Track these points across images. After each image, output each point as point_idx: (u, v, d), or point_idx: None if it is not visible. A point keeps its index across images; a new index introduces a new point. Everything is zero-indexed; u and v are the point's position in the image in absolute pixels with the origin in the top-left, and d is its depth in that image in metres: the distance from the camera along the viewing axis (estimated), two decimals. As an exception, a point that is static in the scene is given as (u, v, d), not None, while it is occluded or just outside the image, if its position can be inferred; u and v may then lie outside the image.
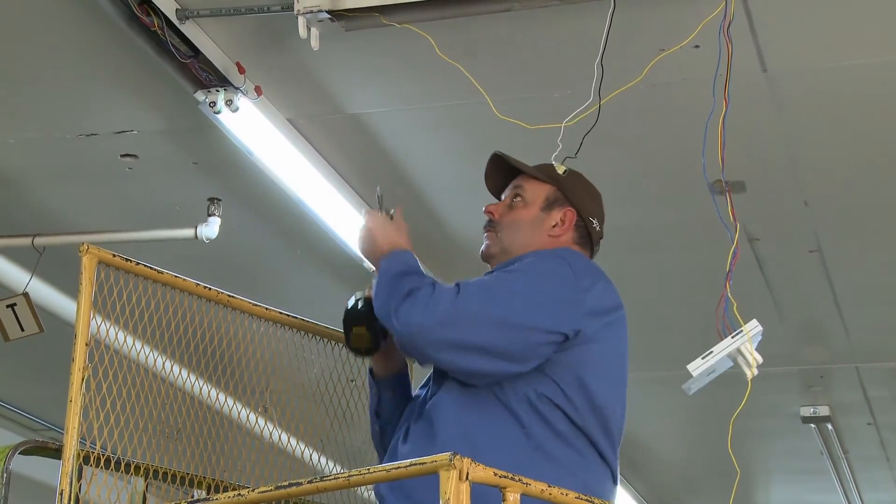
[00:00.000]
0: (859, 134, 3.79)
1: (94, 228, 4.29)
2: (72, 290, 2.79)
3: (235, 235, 4.39)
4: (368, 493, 2.65)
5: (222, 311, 2.86)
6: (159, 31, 3.14)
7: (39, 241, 4.24)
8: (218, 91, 3.37)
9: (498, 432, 2.42)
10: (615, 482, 2.54)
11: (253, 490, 2.06)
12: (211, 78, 3.34)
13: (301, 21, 3.04)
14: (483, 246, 2.63)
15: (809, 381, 6.12)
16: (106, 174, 4.19)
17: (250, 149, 3.61)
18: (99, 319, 2.59)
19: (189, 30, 3.21)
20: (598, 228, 2.69)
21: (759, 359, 2.57)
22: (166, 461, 2.76)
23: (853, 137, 3.82)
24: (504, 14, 3.01)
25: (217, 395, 2.85)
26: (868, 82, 3.49)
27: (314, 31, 3.04)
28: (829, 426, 6.53)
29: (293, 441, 2.98)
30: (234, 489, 2.81)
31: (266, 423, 2.95)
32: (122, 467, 2.64)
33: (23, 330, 4.32)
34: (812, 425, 6.52)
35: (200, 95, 3.38)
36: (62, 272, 4.16)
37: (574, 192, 2.66)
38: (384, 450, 2.69)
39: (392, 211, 2.60)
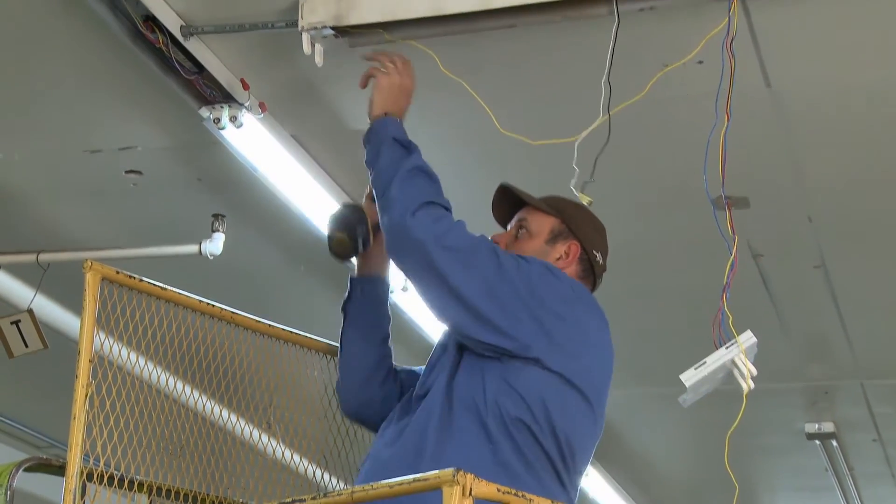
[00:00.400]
0: (863, 150, 3.79)
1: (98, 245, 4.29)
2: (76, 307, 2.79)
3: (239, 252, 4.39)
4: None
5: (226, 328, 2.86)
6: (164, 48, 3.15)
7: (44, 257, 4.25)
8: (222, 107, 3.38)
9: (467, 442, 2.45)
10: None
11: (257, 506, 2.06)
12: (215, 94, 3.35)
13: (305, 37, 3.05)
14: None
15: (814, 398, 6.10)
16: (110, 190, 4.19)
17: (254, 165, 3.61)
18: (102, 336, 2.59)
19: (193, 46, 3.22)
20: (601, 262, 2.74)
21: (754, 371, 2.58)
22: (170, 478, 2.75)
23: (857, 153, 3.82)
24: (508, 31, 3.01)
25: (220, 411, 2.85)
26: (872, 98, 3.49)
27: (318, 47, 3.05)
28: (834, 443, 6.51)
29: (296, 457, 2.98)
30: (237, 506, 2.81)
31: (269, 440, 2.95)
32: (126, 484, 2.63)
33: (27, 346, 4.32)
34: (817, 442, 6.50)
35: (205, 112, 3.39)
36: (66, 288, 4.16)
37: (578, 226, 2.71)
38: (341, 348, 2.83)
39: None
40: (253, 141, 3.51)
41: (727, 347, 2.61)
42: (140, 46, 3.15)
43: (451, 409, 2.49)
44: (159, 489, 2.76)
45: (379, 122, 2.67)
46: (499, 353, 2.49)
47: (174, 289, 2.77)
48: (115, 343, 2.60)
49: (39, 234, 4.43)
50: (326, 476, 2.97)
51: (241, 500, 2.86)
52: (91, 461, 2.51)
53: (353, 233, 2.71)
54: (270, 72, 3.43)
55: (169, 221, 4.36)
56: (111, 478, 2.55)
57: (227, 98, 3.37)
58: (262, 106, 3.44)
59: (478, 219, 2.76)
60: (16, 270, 4.41)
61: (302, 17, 3.04)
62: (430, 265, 2.47)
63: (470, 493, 1.80)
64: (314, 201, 3.89)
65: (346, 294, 2.84)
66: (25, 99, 3.68)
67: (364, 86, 2.78)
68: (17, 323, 4.31)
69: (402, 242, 2.51)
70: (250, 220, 4.31)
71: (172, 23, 3.15)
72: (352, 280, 2.84)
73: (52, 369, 4.75)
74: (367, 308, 2.83)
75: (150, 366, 2.72)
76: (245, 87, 3.38)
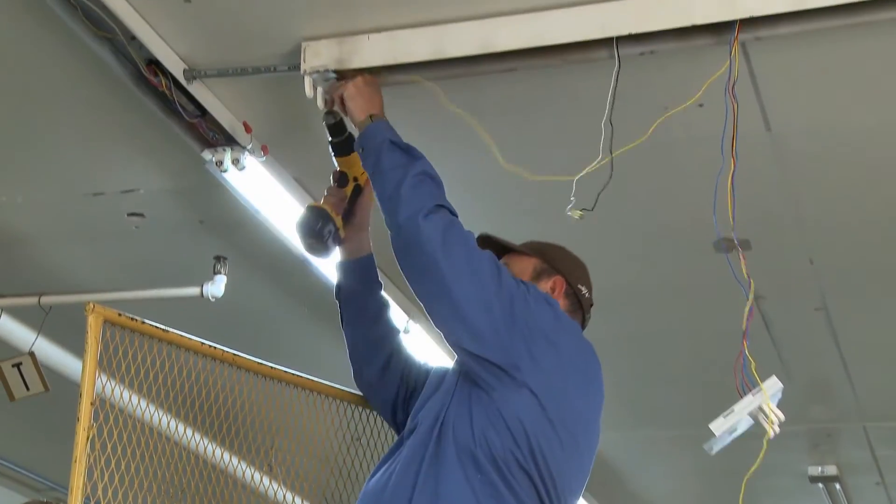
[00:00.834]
0: (864, 193, 3.80)
1: (100, 287, 4.30)
2: (78, 349, 2.79)
3: (241, 294, 4.39)
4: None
5: (227, 370, 2.86)
6: (167, 92, 3.16)
7: (46, 300, 4.25)
8: (225, 150, 3.39)
9: (457, 479, 2.48)
10: None
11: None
12: (218, 137, 3.36)
13: (307, 81, 3.06)
14: None
15: (817, 440, 6.08)
16: (112, 233, 4.20)
17: (257, 207, 3.62)
18: (104, 378, 2.59)
19: (196, 90, 3.24)
20: (587, 295, 2.78)
21: (781, 416, 2.59)
22: (171, 521, 2.74)
23: (858, 196, 3.82)
24: (508, 74, 3.03)
25: (222, 454, 2.85)
26: (873, 141, 3.50)
27: (320, 90, 3.07)
28: (838, 486, 6.48)
29: (298, 500, 2.97)
30: (238, 549, 2.80)
31: (271, 482, 2.95)
32: (127, 527, 2.62)
33: (28, 389, 4.32)
34: (820, 485, 6.47)
35: (207, 154, 3.40)
36: (68, 331, 4.16)
37: (559, 262, 2.78)
38: (348, 335, 2.96)
39: None
40: (255, 183, 3.52)
41: (753, 394, 2.62)
42: (143, 90, 3.17)
43: (440, 444, 2.51)
44: (160, 532, 2.75)
45: (369, 128, 2.77)
46: (488, 371, 2.50)
47: (176, 331, 2.77)
48: (117, 386, 2.61)
49: (41, 276, 4.43)
50: (328, 519, 2.96)
51: (242, 544, 2.85)
52: (92, 504, 2.51)
53: (319, 235, 2.86)
54: (273, 115, 3.45)
55: (171, 263, 4.36)
56: (112, 521, 2.55)
57: (230, 141, 3.39)
58: (264, 149, 3.45)
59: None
60: (18, 313, 4.41)
61: (304, 61, 3.06)
62: (436, 268, 2.51)
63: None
64: (314, 258, 3.89)
65: (336, 280, 2.99)
66: (28, 142, 3.69)
67: (338, 105, 2.94)
68: (18, 366, 4.31)
69: (411, 243, 2.55)
70: (252, 262, 4.31)
71: (175, 66, 3.17)
72: (336, 266, 2.98)
73: (54, 412, 4.74)
74: (356, 288, 2.95)
75: (152, 408, 2.72)
76: (247, 129, 3.39)
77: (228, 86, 3.31)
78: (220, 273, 4.13)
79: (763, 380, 2.65)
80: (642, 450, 6.31)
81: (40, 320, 4.28)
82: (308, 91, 3.07)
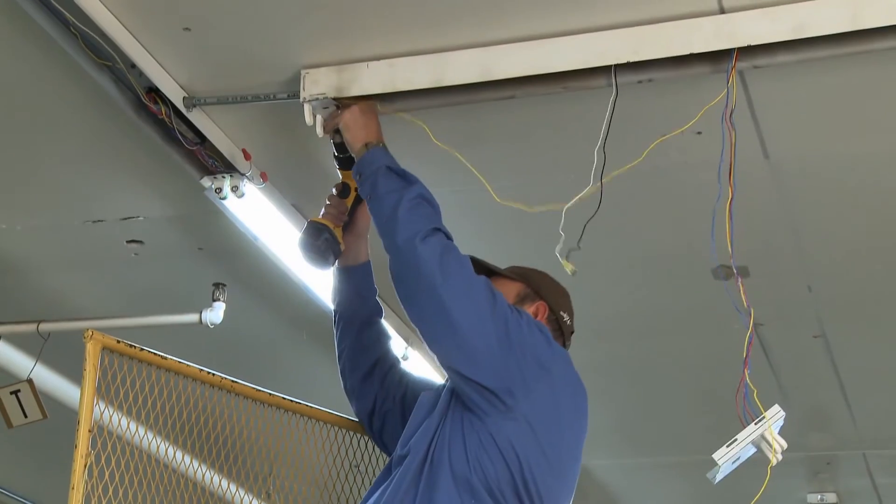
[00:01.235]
0: (863, 220, 3.81)
1: (98, 314, 4.29)
2: (76, 377, 2.79)
3: (240, 321, 4.39)
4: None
5: (226, 397, 2.86)
6: (166, 119, 3.17)
7: (44, 327, 4.24)
8: (224, 177, 3.40)
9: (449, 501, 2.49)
10: None
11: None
12: (217, 164, 3.37)
13: (307, 108, 3.07)
14: None
15: (816, 468, 6.07)
16: (111, 260, 4.20)
17: (256, 234, 3.62)
18: (102, 405, 2.59)
19: (196, 117, 3.25)
20: (568, 323, 2.81)
21: (784, 444, 2.59)
22: (169, 549, 2.74)
23: (857, 223, 3.83)
24: (507, 101, 3.04)
25: (220, 481, 2.85)
26: (870, 169, 3.50)
27: (320, 118, 3.08)
28: (837, 513, 6.48)
29: (296, 528, 2.96)
30: (236, 577, 2.79)
31: (269, 510, 2.94)
32: (124, 555, 2.62)
33: (26, 416, 4.31)
34: (819, 512, 6.46)
35: (206, 182, 3.40)
36: (67, 358, 4.16)
37: (542, 288, 2.81)
38: (338, 338, 3.03)
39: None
40: (254, 210, 3.53)
41: (756, 423, 2.63)
42: (143, 117, 3.18)
43: (433, 469, 2.51)
44: (158, 560, 2.74)
45: (366, 156, 2.81)
46: (482, 396, 2.51)
47: (174, 358, 2.77)
48: (115, 413, 2.60)
49: (40, 303, 4.43)
50: (326, 547, 2.95)
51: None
52: (89, 532, 2.50)
53: (320, 249, 2.96)
54: (272, 142, 3.46)
55: (170, 290, 4.36)
56: (109, 549, 2.54)
57: (229, 168, 3.39)
58: (263, 176, 3.46)
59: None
60: (16, 340, 4.41)
61: (304, 89, 3.07)
62: (434, 291, 2.52)
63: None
64: (315, 271, 3.89)
65: (333, 286, 3.07)
66: (27, 169, 3.70)
67: (329, 130, 2.99)
68: (16, 393, 4.30)
69: (408, 266, 2.57)
70: (251, 289, 4.32)
71: (175, 94, 3.18)
72: (333, 271, 3.07)
73: (52, 439, 4.74)
74: (351, 295, 3.02)
75: (150, 435, 2.72)
76: (247, 157, 3.40)
77: (228, 113, 3.32)
78: (219, 300, 4.12)
79: (765, 407, 2.65)
80: (641, 477, 6.30)
81: (39, 347, 4.27)
82: (308, 119, 3.07)
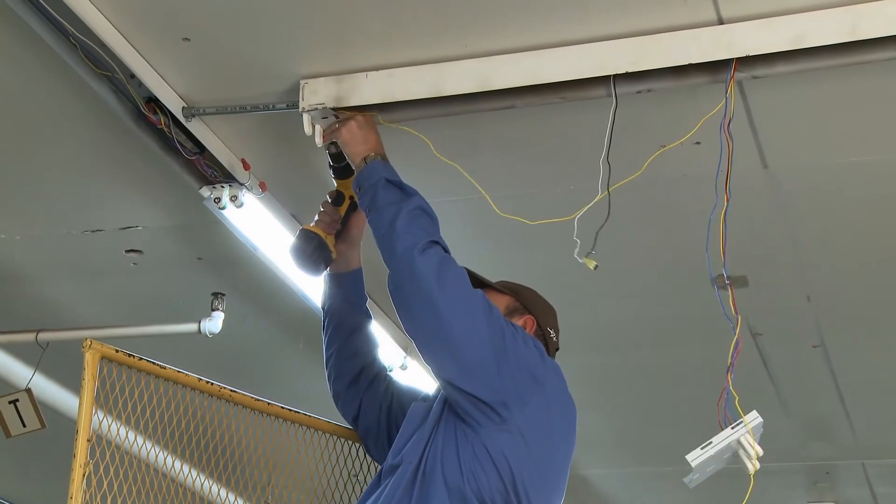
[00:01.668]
0: (861, 229, 3.81)
1: (97, 323, 4.30)
2: (75, 386, 2.78)
3: (239, 330, 4.39)
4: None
5: (225, 406, 2.86)
6: (166, 129, 3.18)
7: (43, 336, 4.24)
8: (223, 187, 3.40)
9: None
10: None
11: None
12: (216, 174, 3.37)
13: (306, 118, 3.08)
14: None
15: (815, 478, 6.07)
16: (110, 269, 4.20)
17: (255, 244, 3.63)
18: (101, 415, 2.59)
19: (195, 127, 3.25)
20: (554, 339, 2.82)
21: (760, 451, 2.58)
22: (167, 558, 2.73)
23: (855, 233, 3.83)
24: (506, 111, 3.04)
25: (219, 490, 2.84)
26: (869, 179, 3.51)
27: (319, 128, 3.08)
28: (836, 523, 6.47)
29: (295, 537, 2.96)
30: (235, 587, 2.79)
31: (267, 519, 2.94)
32: (123, 565, 2.61)
33: (25, 426, 4.31)
34: (818, 522, 6.46)
35: (205, 191, 3.41)
36: (65, 367, 4.16)
37: (531, 303, 2.84)
38: (326, 344, 3.08)
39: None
40: (253, 220, 3.53)
41: (733, 428, 2.62)
42: (142, 127, 3.18)
43: (426, 480, 2.51)
44: (156, 570, 2.74)
45: (365, 170, 2.82)
46: (477, 408, 2.51)
47: (173, 367, 2.77)
48: (114, 422, 2.60)
49: (39, 312, 4.43)
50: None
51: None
52: (88, 541, 2.50)
53: (311, 257, 3.01)
54: (271, 152, 3.46)
55: (168, 300, 4.36)
56: (108, 558, 2.54)
57: (228, 178, 3.40)
58: (262, 185, 3.46)
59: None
60: (15, 349, 4.41)
61: (303, 99, 3.07)
62: (431, 304, 2.53)
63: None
64: (314, 280, 3.89)
65: (324, 291, 3.11)
66: (27, 179, 3.70)
67: (324, 142, 3.02)
68: (14, 402, 4.30)
69: (406, 278, 2.58)
70: (250, 298, 4.32)
71: (174, 104, 3.19)
72: (324, 277, 3.11)
73: (50, 449, 4.73)
74: (342, 303, 3.06)
75: (149, 445, 2.72)
76: (246, 167, 3.40)
77: (227, 123, 3.32)
78: (218, 309, 4.13)
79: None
80: (639, 486, 6.29)
81: (37, 356, 4.27)
82: (307, 129, 3.08)
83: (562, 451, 2.65)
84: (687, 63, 2.84)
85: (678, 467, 2.69)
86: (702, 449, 2.61)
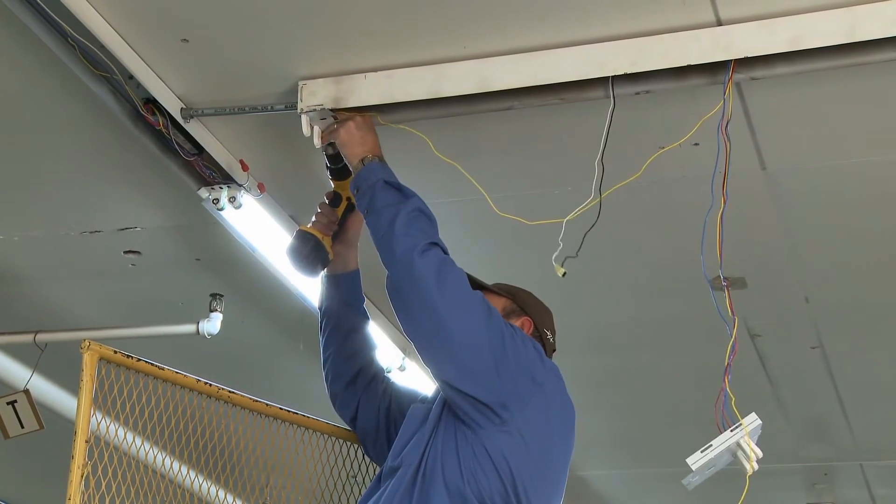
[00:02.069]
0: (860, 231, 3.81)
1: (96, 324, 4.30)
2: (73, 387, 2.79)
3: (237, 331, 4.39)
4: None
5: (223, 407, 2.86)
6: (164, 130, 3.18)
7: (41, 337, 4.24)
8: (221, 188, 3.40)
9: None
10: None
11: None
12: (214, 175, 3.37)
13: (304, 119, 3.08)
14: None
15: (814, 479, 6.07)
16: (109, 270, 4.20)
17: (253, 245, 3.63)
18: (99, 416, 2.59)
19: (193, 128, 3.25)
20: (551, 340, 2.82)
21: (759, 453, 2.58)
22: (165, 560, 2.73)
23: (854, 234, 3.83)
24: (505, 112, 3.04)
25: (217, 491, 2.84)
26: (867, 180, 3.51)
27: (317, 129, 3.08)
28: (835, 524, 6.48)
29: (293, 539, 2.96)
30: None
31: (266, 521, 2.94)
32: (121, 566, 2.61)
33: (23, 427, 4.30)
34: (817, 523, 6.46)
35: (204, 192, 3.41)
36: (64, 369, 4.16)
37: (528, 305, 2.83)
38: (323, 345, 3.07)
39: None
40: (251, 221, 3.53)
41: (732, 430, 2.63)
42: (140, 128, 3.18)
43: (427, 482, 2.52)
44: (155, 571, 2.74)
45: (362, 171, 2.82)
46: (476, 409, 2.51)
47: (171, 368, 2.77)
48: (112, 423, 2.60)
49: (37, 313, 4.43)
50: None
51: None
52: (86, 543, 2.50)
53: (307, 259, 3.02)
54: (269, 153, 3.46)
55: (167, 301, 4.36)
56: (106, 560, 2.54)
57: (227, 179, 3.40)
58: (260, 187, 3.46)
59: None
60: (13, 350, 4.41)
61: (301, 100, 3.07)
62: (431, 305, 2.53)
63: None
64: (312, 281, 3.90)
65: (321, 293, 3.10)
66: (25, 180, 3.70)
67: (322, 143, 3.02)
68: (13, 403, 4.30)
69: (405, 280, 2.57)
70: (248, 299, 4.32)
71: (173, 105, 3.19)
72: (321, 279, 3.09)
73: (48, 450, 4.73)
74: (339, 305, 3.05)
75: (147, 446, 2.71)
76: (244, 168, 3.40)
77: (225, 124, 3.32)
78: (216, 310, 4.13)
79: (742, 416, 2.65)
80: (638, 487, 6.29)
81: (36, 358, 4.27)
82: (305, 130, 3.08)
83: (561, 452, 2.65)
84: (685, 64, 2.84)
85: (677, 468, 2.69)
86: (702, 452, 2.61)
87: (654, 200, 3.61)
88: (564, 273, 2.85)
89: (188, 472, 2.82)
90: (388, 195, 2.71)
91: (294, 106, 3.09)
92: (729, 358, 2.64)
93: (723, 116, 2.78)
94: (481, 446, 2.51)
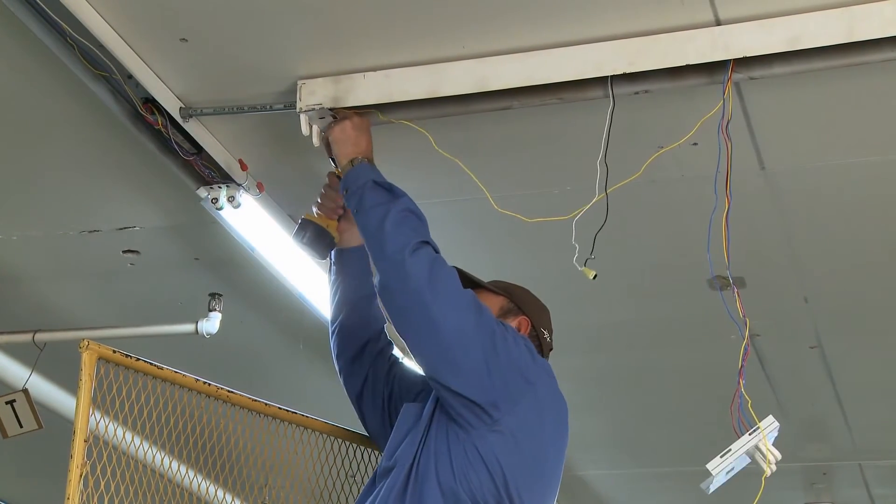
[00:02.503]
0: (859, 231, 3.81)
1: (95, 324, 4.29)
2: (72, 386, 2.79)
3: (236, 330, 4.39)
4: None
5: (222, 407, 2.86)
6: (163, 130, 3.18)
7: (40, 337, 4.24)
8: (220, 187, 3.40)
9: None
10: None
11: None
12: (213, 175, 3.37)
13: (303, 118, 3.08)
14: None
15: (812, 479, 6.07)
16: (108, 270, 4.20)
17: (252, 244, 3.63)
18: (98, 415, 2.59)
19: (192, 128, 3.25)
20: (548, 339, 2.82)
21: (778, 455, 2.59)
22: (164, 559, 2.73)
23: (853, 234, 3.83)
24: (503, 112, 3.05)
25: (216, 491, 2.84)
26: (866, 180, 3.51)
27: (316, 128, 3.08)
28: (833, 524, 6.48)
29: (292, 538, 2.96)
30: (232, 588, 2.79)
31: (265, 520, 2.94)
32: (120, 565, 2.61)
33: (21, 426, 4.30)
34: (815, 523, 6.46)
35: (203, 192, 3.41)
36: (62, 368, 4.16)
37: (525, 303, 2.83)
38: (332, 316, 3.04)
39: None
40: (250, 221, 3.53)
41: (750, 434, 2.63)
42: (139, 128, 3.18)
43: (419, 482, 2.52)
44: (153, 571, 2.74)
45: (352, 171, 2.82)
46: (467, 409, 2.51)
47: (170, 368, 2.77)
48: (111, 423, 2.60)
49: (36, 313, 4.43)
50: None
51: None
52: (85, 542, 2.50)
53: (309, 248, 3.03)
54: (268, 152, 3.46)
55: (166, 300, 4.36)
56: (105, 559, 2.54)
57: (226, 178, 3.40)
58: (259, 186, 3.46)
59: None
60: (12, 350, 4.41)
61: (300, 99, 3.07)
62: (422, 304, 2.52)
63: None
64: (311, 280, 3.90)
65: (330, 265, 3.08)
66: (24, 179, 3.70)
67: (321, 142, 3.00)
68: (11, 403, 4.29)
69: (396, 279, 2.57)
70: (247, 299, 4.32)
71: (172, 105, 3.19)
72: (331, 253, 3.08)
73: (47, 450, 4.73)
74: (340, 273, 3.04)
75: (146, 445, 2.72)
76: (243, 167, 3.40)
77: (224, 124, 3.32)
78: (215, 310, 4.13)
79: (760, 418, 2.65)
80: (637, 487, 6.29)
81: (34, 357, 4.27)
82: (304, 129, 3.08)
83: (554, 451, 2.64)
84: (684, 64, 2.84)
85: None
86: (721, 457, 2.62)
87: (654, 200, 3.61)
88: (595, 275, 2.85)
89: (187, 471, 2.83)
90: (378, 195, 2.71)
91: (293, 105, 3.09)
92: (742, 360, 2.64)
93: (723, 116, 2.79)
94: (473, 447, 2.51)
